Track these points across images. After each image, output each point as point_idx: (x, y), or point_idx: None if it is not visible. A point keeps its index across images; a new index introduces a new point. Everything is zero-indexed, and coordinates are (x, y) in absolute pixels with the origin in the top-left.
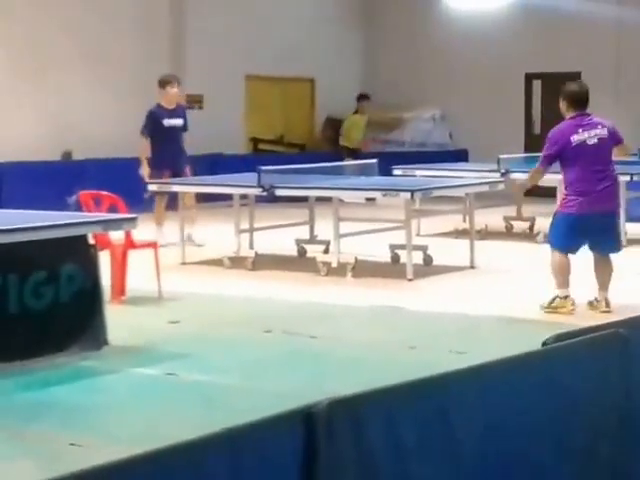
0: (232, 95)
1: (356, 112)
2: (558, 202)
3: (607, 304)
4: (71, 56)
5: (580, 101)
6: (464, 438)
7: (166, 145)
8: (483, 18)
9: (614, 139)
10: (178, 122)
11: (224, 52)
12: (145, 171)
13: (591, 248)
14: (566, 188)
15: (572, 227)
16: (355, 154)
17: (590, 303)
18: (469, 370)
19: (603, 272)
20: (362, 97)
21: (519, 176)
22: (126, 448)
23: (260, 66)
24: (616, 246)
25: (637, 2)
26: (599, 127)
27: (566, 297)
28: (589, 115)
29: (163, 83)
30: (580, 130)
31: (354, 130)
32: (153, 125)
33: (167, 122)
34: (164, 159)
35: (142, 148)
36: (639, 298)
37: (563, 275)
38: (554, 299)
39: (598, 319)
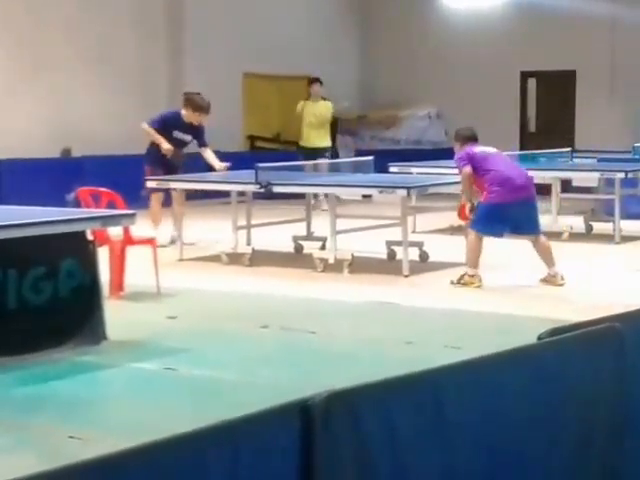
0: (230, 93)
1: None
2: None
3: (562, 277)
4: (70, 54)
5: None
6: (459, 431)
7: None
8: (479, 16)
9: None
10: (187, 137)
11: (222, 50)
12: (165, 146)
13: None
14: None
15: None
16: (314, 154)
17: (544, 280)
18: (464, 364)
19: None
20: (313, 80)
21: None
22: (124, 441)
23: (257, 64)
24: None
25: (631, 0)
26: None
27: (473, 275)
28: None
29: (194, 107)
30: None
31: (301, 123)
32: (162, 129)
33: (176, 134)
34: (162, 163)
35: (151, 132)
36: (633, 294)
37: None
38: (463, 276)
39: (592, 313)
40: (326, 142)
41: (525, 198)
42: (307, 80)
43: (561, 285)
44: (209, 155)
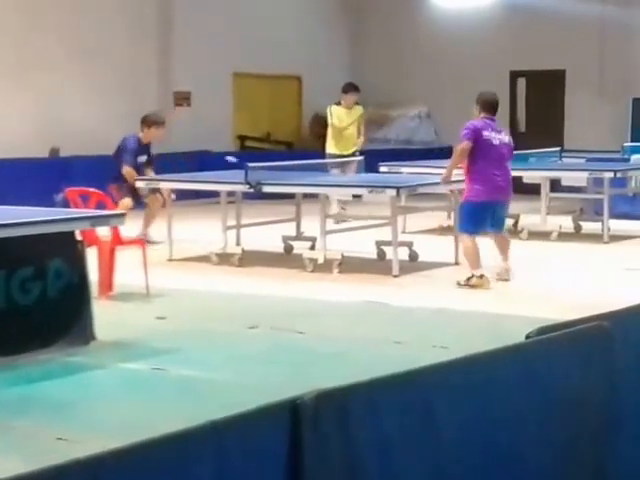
0: (220, 92)
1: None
2: None
3: (507, 271)
4: (59, 54)
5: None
6: (447, 430)
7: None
8: (468, 16)
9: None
10: (144, 159)
11: (212, 49)
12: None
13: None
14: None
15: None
16: (347, 157)
17: (498, 274)
18: (453, 363)
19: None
20: (350, 88)
21: None
22: (113, 442)
23: (248, 64)
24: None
25: (621, 1)
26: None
27: (482, 276)
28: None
29: (150, 122)
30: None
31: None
32: (130, 157)
33: (140, 159)
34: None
35: (133, 174)
36: (621, 293)
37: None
38: (470, 278)
39: (580, 312)
40: (357, 144)
41: (502, 201)
42: (343, 87)
43: (507, 280)
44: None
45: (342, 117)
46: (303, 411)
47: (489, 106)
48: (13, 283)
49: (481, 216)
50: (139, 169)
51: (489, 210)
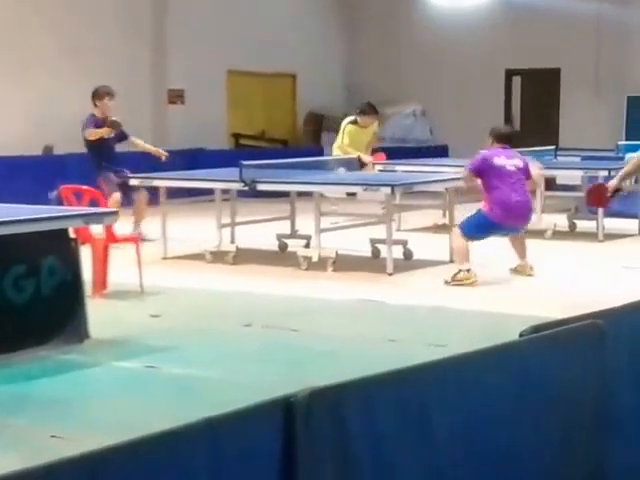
0: (214, 90)
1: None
2: None
3: (531, 267)
4: (52, 51)
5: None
6: (441, 427)
7: (104, 156)
8: (463, 14)
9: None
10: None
11: (206, 47)
12: (105, 130)
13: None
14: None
15: None
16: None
17: (514, 269)
18: (447, 360)
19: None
20: (370, 111)
21: None
22: (107, 440)
23: (242, 61)
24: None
25: None
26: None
27: (468, 270)
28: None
29: (101, 94)
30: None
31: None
32: (91, 127)
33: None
34: (109, 168)
35: (94, 131)
36: (616, 291)
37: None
38: (457, 274)
39: (575, 310)
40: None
41: (520, 226)
42: (360, 110)
43: (530, 275)
44: (139, 143)
45: (355, 136)
46: (297, 409)
47: (505, 139)
48: (7, 281)
49: (490, 232)
50: (107, 145)
51: (501, 231)
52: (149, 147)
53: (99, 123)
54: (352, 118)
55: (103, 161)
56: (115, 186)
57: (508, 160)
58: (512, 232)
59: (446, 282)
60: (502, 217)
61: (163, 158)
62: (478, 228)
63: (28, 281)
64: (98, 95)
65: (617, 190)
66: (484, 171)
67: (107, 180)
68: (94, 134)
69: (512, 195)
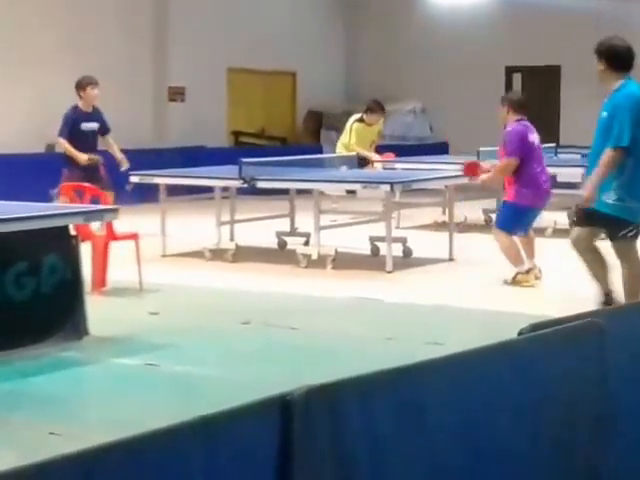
0: (214, 88)
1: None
2: None
3: (540, 270)
4: (54, 49)
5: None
6: (439, 426)
7: (83, 149)
8: (463, 11)
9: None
10: (94, 125)
11: (206, 45)
12: (82, 158)
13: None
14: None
15: None
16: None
17: (515, 280)
18: (445, 359)
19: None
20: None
21: None
22: (106, 437)
23: (242, 59)
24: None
25: None
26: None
27: (528, 271)
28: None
29: (83, 84)
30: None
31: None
32: (71, 128)
33: (85, 126)
34: (80, 168)
35: (67, 146)
36: (616, 289)
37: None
38: (516, 275)
39: (574, 309)
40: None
41: (543, 206)
42: (367, 107)
43: (538, 278)
44: (112, 145)
45: (361, 134)
46: (293, 407)
47: (523, 108)
48: (7, 278)
49: (524, 219)
50: (88, 137)
51: (532, 215)
52: (117, 152)
53: (82, 117)
54: (358, 116)
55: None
56: (81, 176)
57: (534, 135)
58: (539, 214)
59: (505, 282)
60: (532, 199)
61: (123, 167)
62: (513, 219)
63: (29, 279)
64: (80, 86)
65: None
66: (523, 152)
67: (71, 173)
68: (67, 149)
69: (539, 174)
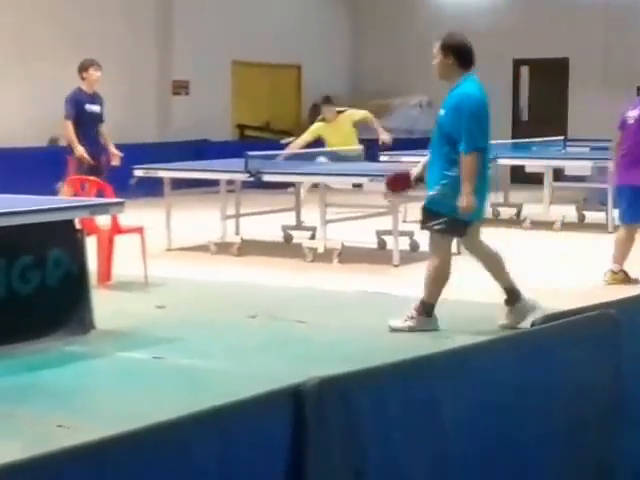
0: (218, 81)
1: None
2: None
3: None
4: (57, 43)
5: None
6: (450, 418)
7: (86, 131)
8: (470, 4)
9: None
10: (97, 108)
11: (211, 38)
12: (79, 151)
13: None
14: None
15: None
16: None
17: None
18: (455, 351)
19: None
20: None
21: (506, 162)
22: (113, 430)
23: (247, 52)
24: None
25: None
26: None
27: (620, 271)
28: None
29: (86, 65)
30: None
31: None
32: (76, 109)
33: (88, 107)
34: (85, 145)
35: (70, 131)
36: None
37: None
38: (619, 273)
39: (586, 301)
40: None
41: None
42: (322, 100)
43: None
44: (106, 137)
45: (323, 131)
46: (306, 397)
47: None
48: (13, 272)
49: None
50: (92, 119)
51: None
52: (111, 145)
53: (86, 99)
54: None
55: (81, 138)
56: (86, 169)
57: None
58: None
59: (605, 282)
60: (637, 175)
61: (114, 162)
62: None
63: (34, 272)
64: (83, 67)
65: (420, 179)
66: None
67: (80, 164)
68: (69, 136)
69: (637, 143)
